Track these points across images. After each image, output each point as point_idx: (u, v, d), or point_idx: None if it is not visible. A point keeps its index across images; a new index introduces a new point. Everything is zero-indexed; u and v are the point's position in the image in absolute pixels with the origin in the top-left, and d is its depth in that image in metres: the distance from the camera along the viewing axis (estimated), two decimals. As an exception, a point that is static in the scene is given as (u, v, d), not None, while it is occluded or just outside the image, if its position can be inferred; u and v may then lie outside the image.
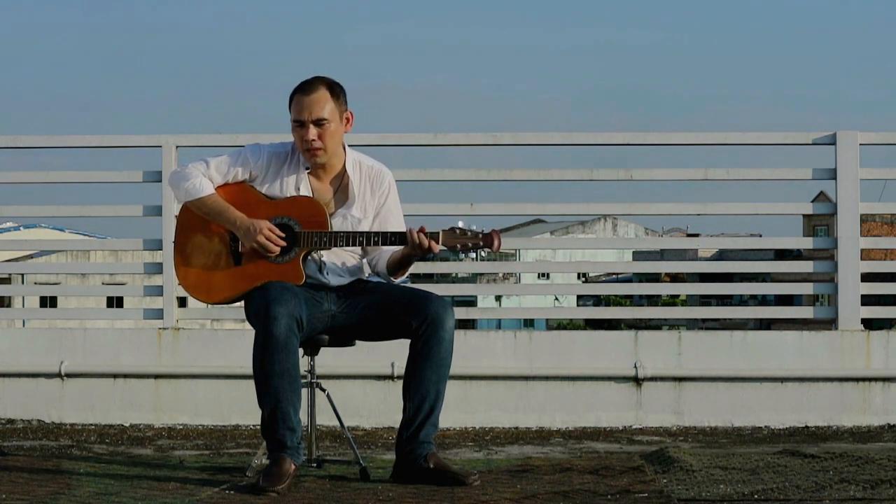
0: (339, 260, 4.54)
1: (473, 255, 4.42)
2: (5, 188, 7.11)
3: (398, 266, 4.54)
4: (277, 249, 4.40)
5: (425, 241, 4.37)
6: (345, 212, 4.52)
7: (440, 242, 4.40)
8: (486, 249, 4.40)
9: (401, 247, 4.48)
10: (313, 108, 4.42)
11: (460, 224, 4.41)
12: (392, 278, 4.58)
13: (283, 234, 4.42)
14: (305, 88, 4.45)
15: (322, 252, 4.50)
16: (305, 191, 4.49)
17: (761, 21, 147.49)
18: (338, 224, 4.48)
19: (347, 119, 4.52)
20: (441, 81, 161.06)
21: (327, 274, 4.51)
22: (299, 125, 4.44)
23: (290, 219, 4.44)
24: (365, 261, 4.63)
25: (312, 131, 4.42)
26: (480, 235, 4.38)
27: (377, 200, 4.58)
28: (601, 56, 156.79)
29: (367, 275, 4.66)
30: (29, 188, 7.20)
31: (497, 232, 4.39)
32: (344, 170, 4.55)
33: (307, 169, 4.51)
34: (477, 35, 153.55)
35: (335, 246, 4.44)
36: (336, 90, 4.49)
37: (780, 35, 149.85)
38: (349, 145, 4.65)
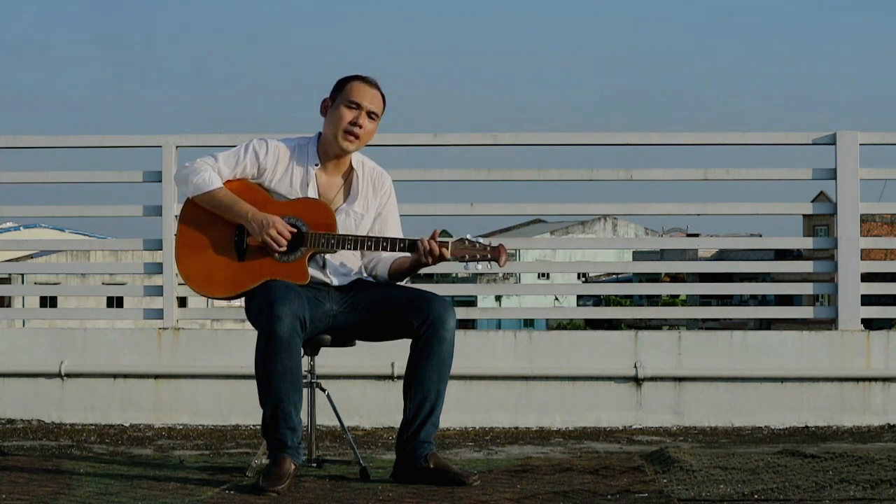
0: (340, 259, 4.55)
1: (480, 267, 4.41)
2: (5, 188, 7.11)
3: (403, 274, 4.55)
4: (285, 245, 4.41)
5: (436, 248, 4.38)
6: (347, 208, 4.54)
7: (449, 252, 4.41)
8: (493, 263, 4.41)
9: (405, 254, 4.49)
10: (374, 101, 4.51)
11: (469, 236, 4.42)
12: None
13: (294, 231, 4.43)
14: (370, 81, 4.53)
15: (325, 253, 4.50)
16: (312, 187, 4.50)
17: (761, 21, 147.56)
18: (341, 220, 4.49)
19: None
20: (441, 81, 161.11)
21: (330, 273, 4.52)
22: (354, 107, 4.48)
23: (298, 219, 4.45)
24: (361, 263, 4.64)
25: (364, 119, 4.48)
26: (489, 248, 4.38)
27: (378, 201, 4.61)
28: (601, 56, 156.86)
29: (365, 276, 4.66)
30: (29, 188, 7.20)
31: (504, 247, 4.39)
32: (351, 167, 4.58)
33: (316, 166, 4.52)
34: (477, 36, 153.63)
35: (343, 248, 4.44)
36: (385, 102, 4.58)
37: (780, 35, 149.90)
38: None
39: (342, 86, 4.52)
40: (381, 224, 4.61)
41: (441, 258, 4.39)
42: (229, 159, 4.52)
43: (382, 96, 4.55)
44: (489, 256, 4.39)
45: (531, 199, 6.85)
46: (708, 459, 4.87)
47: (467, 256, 4.40)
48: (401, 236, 4.58)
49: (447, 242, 4.40)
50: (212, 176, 4.48)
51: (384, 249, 4.45)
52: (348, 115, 4.47)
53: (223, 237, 4.49)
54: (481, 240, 4.40)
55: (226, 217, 4.47)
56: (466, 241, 4.41)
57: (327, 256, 4.51)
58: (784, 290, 6.83)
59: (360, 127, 4.46)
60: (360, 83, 4.51)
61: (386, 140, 6.71)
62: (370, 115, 4.49)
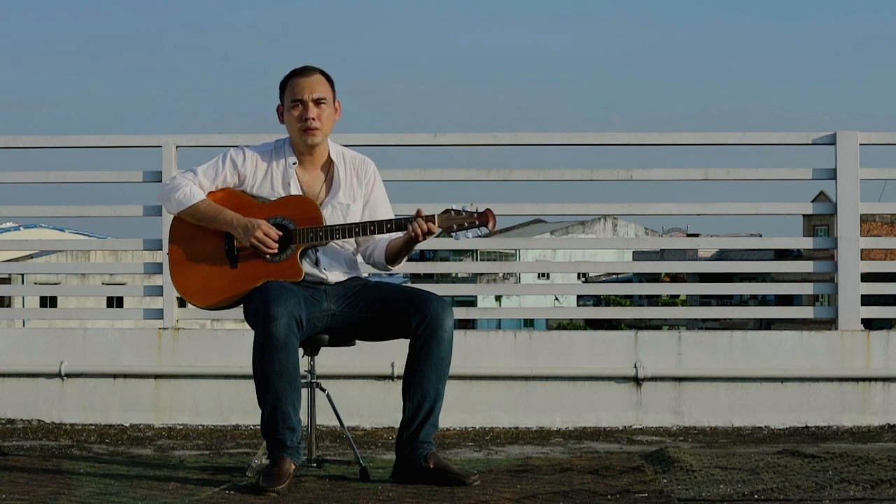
0: (334, 254, 4.56)
1: (470, 235, 4.43)
2: (5, 188, 7.11)
3: (398, 254, 4.56)
4: (275, 245, 4.41)
5: (424, 225, 4.40)
6: (332, 200, 4.55)
7: (436, 224, 4.43)
8: (482, 228, 4.42)
9: (397, 234, 4.51)
10: (314, 88, 4.51)
11: (454, 206, 4.44)
12: (390, 266, 4.60)
13: (281, 230, 4.43)
14: (302, 72, 4.55)
15: (317, 248, 4.51)
16: (294, 185, 4.52)
17: (761, 21, 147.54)
18: (328, 214, 4.51)
19: (336, 108, 4.59)
20: (441, 81, 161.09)
21: (325, 269, 4.52)
22: (299, 104, 4.49)
23: (285, 218, 4.45)
24: (359, 255, 4.65)
25: (313, 110, 4.49)
26: (476, 214, 4.41)
27: (364, 189, 4.63)
28: (600, 56, 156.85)
29: (364, 274, 4.66)
30: (29, 188, 7.20)
31: (491, 211, 4.42)
32: (330, 159, 4.60)
33: (294, 164, 4.53)
34: (477, 35, 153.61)
35: (331, 239, 4.45)
36: (329, 78, 4.59)
37: (780, 35, 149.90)
38: (343, 144, 4.71)
39: (283, 88, 4.57)
40: (371, 211, 4.62)
41: (429, 233, 4.42)
42: (209, 171, 4.55)
43: (324, 75, 4.56)
44: (477, 223, 4.41)
45: (531, 199, 6.86)
46: (708, 459, 4.86)
47: (455, 226, 4.43)
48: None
49: (433, 216, 4.42)
50: (193, 190, 4.51)
51: (372, 233, 4.46)
52: (296, 112, 4.50)
53: (213, 248, 4.51)
54: (467, 207, 4.42)
55: (212, 228, 4.49)
56: (452, 212, 4.44)
57: (320, 252, 4.52)
58: (784, 290, 6.83)
59: (314, 118, 4.48)
60: (294, 79, 4.54)
61: (386, 140, 6.71)
62: (317, 102, 4.50)
